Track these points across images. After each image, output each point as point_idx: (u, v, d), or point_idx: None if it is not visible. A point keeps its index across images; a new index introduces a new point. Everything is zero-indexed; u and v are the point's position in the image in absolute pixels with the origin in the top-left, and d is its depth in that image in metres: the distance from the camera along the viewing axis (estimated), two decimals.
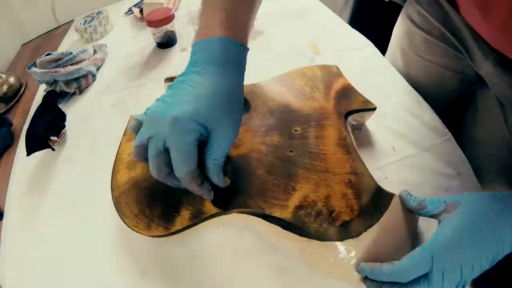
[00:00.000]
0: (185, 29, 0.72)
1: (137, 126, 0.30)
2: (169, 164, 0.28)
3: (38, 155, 0.45)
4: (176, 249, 0.35)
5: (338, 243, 0.30)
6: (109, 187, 0.41)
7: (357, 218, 0.31)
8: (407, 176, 0.39)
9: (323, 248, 0.30)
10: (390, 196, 0.32)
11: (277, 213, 0.31)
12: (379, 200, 0.32)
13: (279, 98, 0.42)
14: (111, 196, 0.35)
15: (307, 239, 0.30)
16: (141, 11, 0.76)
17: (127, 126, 0.41)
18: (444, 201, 0.28)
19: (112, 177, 0.36)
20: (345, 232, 0.30)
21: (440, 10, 0.45)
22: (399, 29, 0.54)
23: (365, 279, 0.28)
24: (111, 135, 0.48)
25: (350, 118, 0.41)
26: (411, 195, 0.30)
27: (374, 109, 0.41)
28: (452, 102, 0.53)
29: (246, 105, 0.42)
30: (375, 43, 0.60)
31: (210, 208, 0.32)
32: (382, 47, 0.59)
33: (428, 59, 0.50)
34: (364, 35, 0.62)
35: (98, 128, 0.51)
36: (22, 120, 0.57)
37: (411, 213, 0.32)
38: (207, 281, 0.33)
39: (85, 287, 0.34)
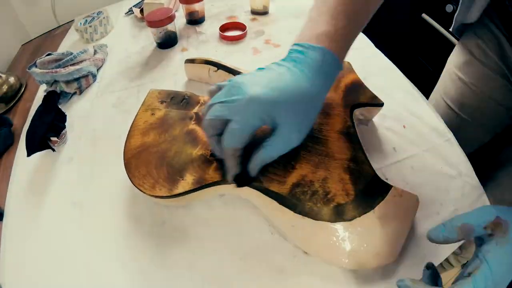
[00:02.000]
0: (186, 29, 0.72)
1: (215, 91, 0.32)
2: (221, 130, 0.30)
3: (38, 155, 0.45)
4: (177, 249, 0.35)
5: (330, 224, 0.30)
6: (109, 187, 0.42)
7: (351, 203, 0.31)
8: (407, 176, 0.39)
9: (315, 227, 0.31)
10: (388, 187, 0.32)
11: (274, 187, 0.33)
12: (376, 189, 0.32)
13: None
14: (122, 165, 0.36)
15: (301, 216, 0.31)
16: (141, 11, 0.76)
17: (145, 99, 0.44)
18: (496, 216, 0.24)
19: (126, 141, 0.39)
20: (338, 214, 0.31)
21: (498, 45, 0.46)
22: (456, 58, 0.55)
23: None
24: (111, 135, 0.49)
25: (357, 112, 0.42)
26: (438, 230, 0.26)
27: (382, 105, 0.42)
28: (491, 138, 0.54)
29: None
30: (376, 43, 0.60)
31: (212, 176, 0.34)
32: (382, 48, 0.59)
33: (483, 89, 0.50)
34: (365, 35, 0.62)
35: (98, 128, 0.50)
36: (22, 120, 0.57)
37: (407, 212, 0.32)
38: (208, 281, 0.33)
39: (85, 287, 0.34)
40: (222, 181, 0.34)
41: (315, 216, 0.31)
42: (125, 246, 0.36)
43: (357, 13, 0.33)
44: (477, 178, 0.39)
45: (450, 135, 0.44)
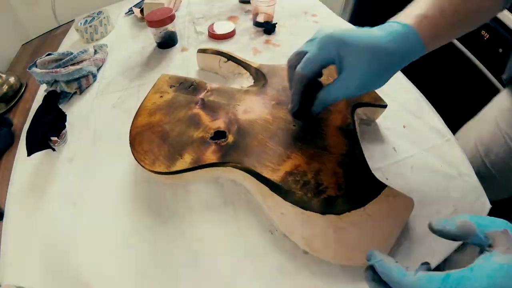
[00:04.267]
0: (186, 29, 0.72)
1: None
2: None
3: (38, 155, 0.45)
4: (177, 249, 0.35)
5: (319, 215, 0.31)
6: (109, 187, 0.42)
7: (342, 197, 0.32)
8: (407, 176, 0.39)
9: (304, 217, 0.31)
10: (382, 186, 0.32)
11: (267, 174, 0.34)
12: (369, 187, 0.33)
13: None
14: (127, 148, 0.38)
15: (291, 204, 0.32)
16: (141, 11, 0.76)
17: (156, 82, 0.46)
18: (504, 228, 0.21)
19: (133, 119, 0.41)
20: (328, 207, 0.31)
21: None
22: (501, 103, 0.51)
23: (367, 268, 0.24)
24: (111, 135, 0.49)
25: (360, 111, 0.42)
26: (441, 219, 0.23)
27: (385, 106, 0.42)
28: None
29: (263, 80, 0.46)
30: None
31: (209, 157, 0.36)
32: None
33: None
34: None
35: (98, 128, 0.50)
36: (22, 120, 0.57)
37: (399, 214, 0.32)
38: (207, 281, 0.33)
39: (85, 286, 0.34)
40: (218, 163, 0.35)
41: (304, 206, 0.31)
42: (125, 246, 0.36)
43: (456, 11, 0.31)
44: (477, 178, 0.39)
45: (450, 135, 0.44)
